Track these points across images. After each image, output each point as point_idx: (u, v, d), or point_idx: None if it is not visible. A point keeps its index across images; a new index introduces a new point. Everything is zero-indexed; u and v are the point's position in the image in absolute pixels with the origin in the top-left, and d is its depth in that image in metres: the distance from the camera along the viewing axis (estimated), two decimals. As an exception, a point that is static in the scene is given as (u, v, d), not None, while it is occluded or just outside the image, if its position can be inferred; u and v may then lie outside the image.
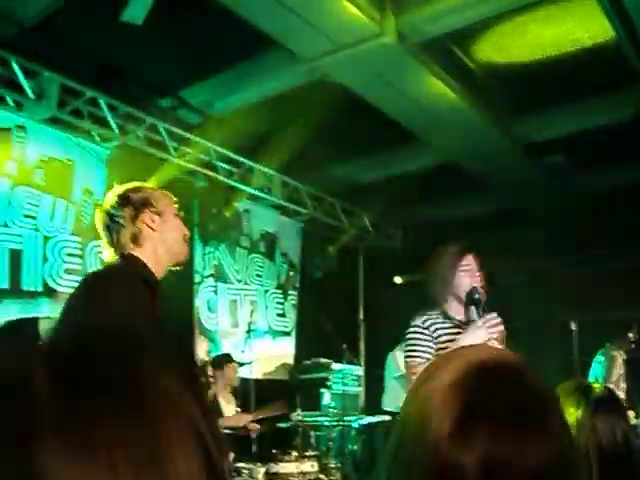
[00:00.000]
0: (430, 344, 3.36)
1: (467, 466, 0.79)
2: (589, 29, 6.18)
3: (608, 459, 1.70)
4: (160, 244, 2.58)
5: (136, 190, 2.67)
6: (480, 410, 0.83)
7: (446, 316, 3.45)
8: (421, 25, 6.02)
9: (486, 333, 3.24)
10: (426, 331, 3.39)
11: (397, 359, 7.57)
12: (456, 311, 3.46)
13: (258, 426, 6.59)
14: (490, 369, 0.87)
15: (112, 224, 2.58)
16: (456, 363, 0.88)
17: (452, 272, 3.46)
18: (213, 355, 7.41)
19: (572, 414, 1.75)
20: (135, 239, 2.55)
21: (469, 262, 3.51)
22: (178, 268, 2.71)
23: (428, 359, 3.27)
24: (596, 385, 1.88)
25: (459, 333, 3.34)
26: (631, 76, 6.76)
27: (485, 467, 0.79)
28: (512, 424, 0.82)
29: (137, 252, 2.55)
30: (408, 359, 3.44)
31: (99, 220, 2.65)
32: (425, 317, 3.44)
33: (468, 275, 3.43)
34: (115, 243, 2.58)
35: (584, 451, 1.68)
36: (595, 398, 1.80)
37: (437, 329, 3.40)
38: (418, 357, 3.35)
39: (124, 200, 2.60)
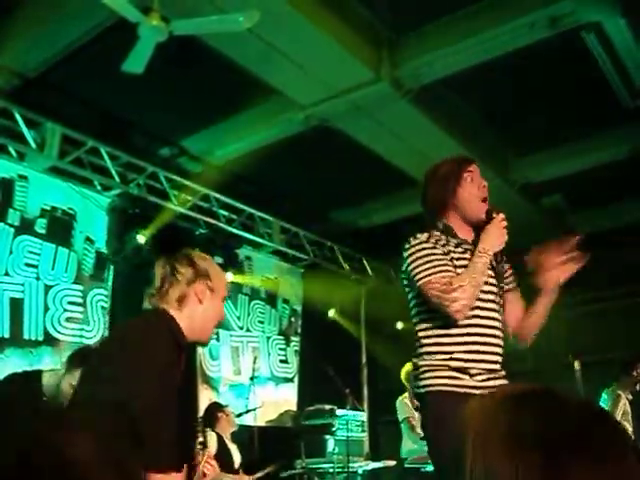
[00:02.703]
0: (447, 260, 2.74)
1: None
2: (582, 69, 6.28)
3: None
4: (199, 317, 2.58)
5: (203, 258, 2.71)
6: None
7: (450, 233, 2.86)
8: (417, 71, 6.12)
9: (503, 232, 2.93)
10: (437, 246, 2.77)
11: (402, 404, 7.54)
12: (461, 230, 2.89)
13: None
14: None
15: (170, 276, 2.61)
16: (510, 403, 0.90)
17: (457, 179, 2.89)
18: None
19: None
20: (181, 300, 2.56)
21: (474, 169, 2.96)
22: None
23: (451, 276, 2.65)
24: None
25: (468, 259, 2.77)
26: (625, 116, 6.84)
27: None
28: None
29: (174, 313, 2.55)
30: (425, 278, 2.67)
31: (160, 268, 2.67)
32: (426, 234, 2.82)
33: (476, 184, 2.91)
34: (162, 294, 2.59)
35: None
36: None
37: (447, 249, 2.79)
38: (439, 272, 2.67)
39: (190, 261, 2.64)
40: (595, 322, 9.63)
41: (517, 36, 5.56)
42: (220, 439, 6.59)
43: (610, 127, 7.16)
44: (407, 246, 2.80)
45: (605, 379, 7.16)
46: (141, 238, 7.14)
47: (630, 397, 6.95)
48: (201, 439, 3.04)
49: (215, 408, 7.00)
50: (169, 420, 2.30)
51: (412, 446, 7.38)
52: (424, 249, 2.72)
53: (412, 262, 2.73)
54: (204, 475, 2.73)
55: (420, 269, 2.69)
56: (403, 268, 2.84)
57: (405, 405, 7.55)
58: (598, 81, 6.34)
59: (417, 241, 2.77)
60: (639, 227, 8.85)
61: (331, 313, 8.62)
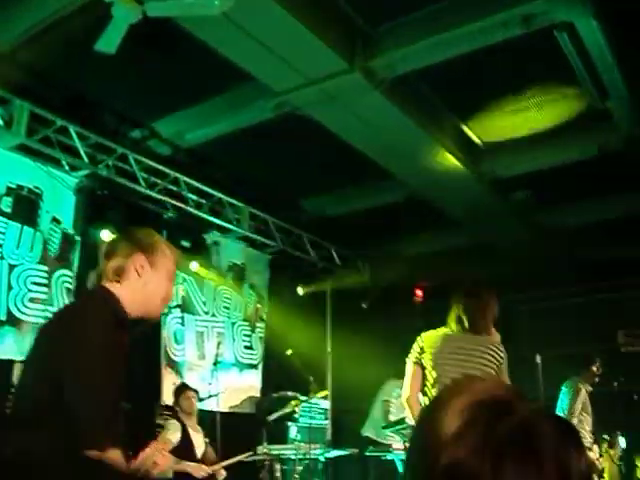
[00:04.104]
0: None
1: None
2: (553, 69, 6.34)
3: None
4: (139, 292, 2.56)
5: (148, 234, 2.69)
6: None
7: None
8: (391, 63, 6.13)
9: None
10: None
11: (389, 386, 7.62)
12: None
13: (224, 474, 6.50)
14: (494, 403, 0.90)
15: (111, 250, 2.61)
16: (465, 397, 0.92)
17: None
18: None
19: None
20: (119, 273, 2.54)
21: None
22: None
23: None
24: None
25: None
26: (594, 116, 6.94)
27: None
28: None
29: (114, 288, 2.54)
30: None
31: (104, 247, 2.68)
32: None
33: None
34: (103, 270, 2.58)
35: None
36: None
37: None
38: None
39: (131, 235, 2.65)
40: (555, 318, 9.80)
41: (491, 33, 5.59)
42: (184, 429, 6.58)
43: (579, 126, 7.25)
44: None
45: (565, 373, 7.31)
46: (106, 235, 7.00)
47: (590, 389, 7.10)
48: (160, 421, 3.01)
49: (178, 388, 7.01)
50: (106, 399, 2.28)
51: (379, 426, 7.44)
52: None
53: None
54: (155, 464, 2.70)
55: None
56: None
57: (391, 388, 7.62)
58: (569, 80, 6.42)
59: None
60: (605, 225, 9.01)
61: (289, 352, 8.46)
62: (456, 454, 0.86)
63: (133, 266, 2.56)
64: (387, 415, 7.57)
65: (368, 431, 7.58)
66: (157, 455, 2.66)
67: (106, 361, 2.32)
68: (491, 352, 4.34)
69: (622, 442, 7.34)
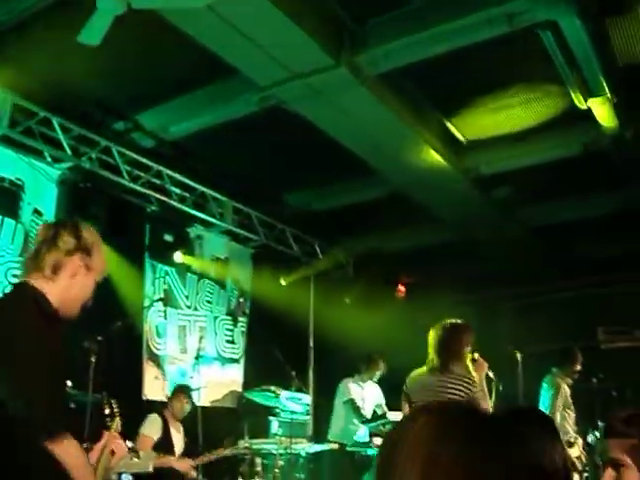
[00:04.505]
0: None
1: None
2: (537, 67, 6.38)
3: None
4: (69, 291, 2.54)
5: (91, 233, 2.65)
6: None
7: None
8: (376, 58, 6.13)
9: None
10: None
11: (347, 386, 7.67)
12: None
13: (195, 476, 6.52)
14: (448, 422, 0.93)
15: (50, 241, 2.55)
16: (423, 419, 0.94)
17: None
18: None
19: None
20: (55, 269, 2.51)
21: None
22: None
23: None
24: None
25: None
26: (577, 114, 6.98)
27: None
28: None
29: (44, 283, 2.50)
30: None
31: (42, 231, 2.63)
32: None
33: None
34: (37, 259, 2.53)
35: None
36: None
37: None
38: None
39: (76, 232, 2.59)
40: (536, 314, 9.87)
41: (475, 30, 5.61)
42: (165, 426, 6.57)
43: (563, 124, 7.29)
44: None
45: (544, 370, 7.37)
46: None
47: (570, 382, 7.15)
48: (107, 411, 2.97)
49: (176, 389, 6.97)
50: (43, 393, 2.27)
51: (355, 427, 7.48)
52: None
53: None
54: (113, 453, 2.70)
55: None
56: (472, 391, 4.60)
57: (349, 388, 7.69)
58: (553, 79, 6.46)
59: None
60: (587, 222, 9.09)
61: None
62: None
63: (70, 266, 2.53)
64: (359, 411, 7.64)
65: (335, 436, 7.65)
66: (110, 445, 2.65)
67: (38, 363, 2.29)
68: (457, 386, 4.61)
69: (590, 438, 7.39)
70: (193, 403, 6.93)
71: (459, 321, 4.92)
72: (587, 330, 9.46)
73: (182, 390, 6.94)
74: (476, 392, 4.61)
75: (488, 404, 4.77)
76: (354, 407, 7.71)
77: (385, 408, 7.93)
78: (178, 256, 8.37)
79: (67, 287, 2.53)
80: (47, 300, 2.48)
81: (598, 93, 6.39)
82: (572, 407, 7.11)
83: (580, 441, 7.01)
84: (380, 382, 8.25)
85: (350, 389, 7.80)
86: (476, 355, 4.94)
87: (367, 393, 7.95)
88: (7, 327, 2.34)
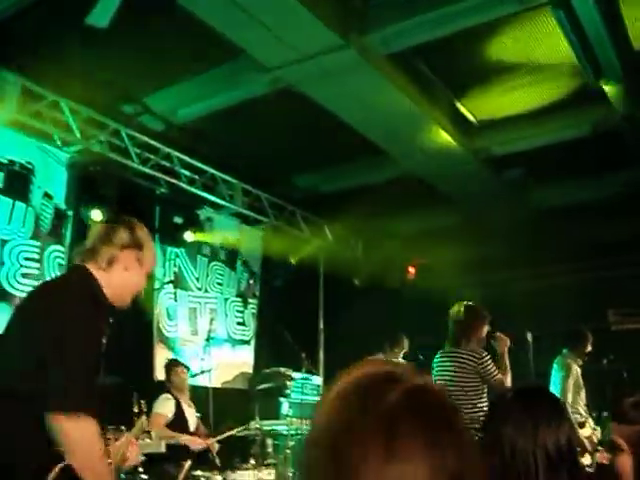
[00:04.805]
0: None
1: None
2: (548, 47, 6.32)
3: (553, 460, 1.79)
4: (121, 283, 2.67)
5: (142, 229, 2.79)
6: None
7: None
8: (386, 38, 6.09)
9: None
10: None
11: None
12: None
13: (217, 446, 6.56)
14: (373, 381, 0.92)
15: (106, 237, 2.69)
16: (374, 376, 0.93)
17: None
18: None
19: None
20: (110, 262, 2.64)
21: None
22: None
23: None
24: None
25: None
26: (589, 95, 6.93)
27: None
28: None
29: (100, 273, 2.63)
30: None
31: (99, 228, 2.78)
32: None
33: None
34: (93, 252, 2.65)
35: (531, 451, 1.78)
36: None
37: None
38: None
39: (129, 228, 2.73)
40: (546, 296, 9.85)
41: (487, 9, 5.56)
42: (178, 404, 6.62)
43: (574, 105, 7.24)
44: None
45: (555, 351, 7.36)
46: (96, 214, 6.99)
47: (580, 363, 7.14)
48: (135, 409, 3.01)
49: (169, 364, 7.03)
50: (83, 371, 2.36)
51: None
52: None
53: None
54: (125, 460, 2.70)
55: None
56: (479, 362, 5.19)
57: None
58: (564, 58, 6.40)
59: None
60: (597, 204, 9.04)
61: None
62: (335, 428, 0.87)
63: (124, 259, 2.66)
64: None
65: None
66: (126, 449, 2.66)
67: (87, 338, 2.41)
68: (465, 359, 5.29)
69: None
70: (185, 366, 6.95)
71: (471, 303, 5.56)
72: (598, 312, 9.43)
73: (173, 363, 6.98)
74: (487, 365, 5.19)
75: (508, 378, 5.35)
76: None
77: None
78: (189, 235, 8.37)
79: (119, 280, 2.66)
80: (102, 289, 2.61)
81: (610, 72, 6.34)
82: (583, 388, 7.11)
83: (591, 421, 7.00)
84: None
85: None
86: (497, 333, 5.51)
87: None
88: (65, 306, 2.46)
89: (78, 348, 2.36)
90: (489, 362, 5.21)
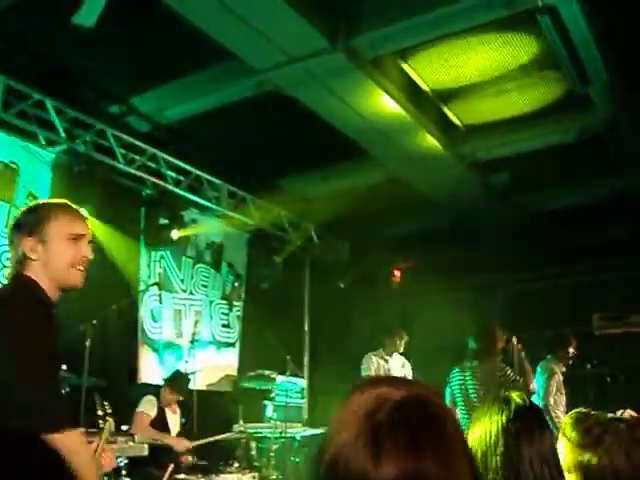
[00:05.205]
0: None
1: None
2: (534, 52, 6.35)
3: (536, 459, 1.84)
4: (42, 271, 2.54)
5: (29, 212, 2.65)
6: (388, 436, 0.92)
7: None
8: (373, 42, 6.10)
9: None
10: None
11: (367, 360, 7.58)
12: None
13: (191, 459, 6.50)
14: (397, 402, 0.96)
15: (9, 244, 2.63)
16: (369, 395, 0.98)
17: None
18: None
19: (496, 421, 1.93)
20: (20, 264, 2.55)
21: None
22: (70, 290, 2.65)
23: None
24: (515, 394, 2.03)
25: None
26: (575, 100, 6.96)
27: None
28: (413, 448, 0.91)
29: (34, 267, 2.55)
30: None
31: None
32: None
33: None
34: (12, 265, 2.62)
35: (514, 451, 1.82)
36: (515, 405, 1.96)
37: None
38: None
39: (15, 226, 2.62)
40: (531, 300, 9.89)
41: (474, 13, 5.58)
42: (159, 407, 6.58)
43: (560, 110, 7.28)
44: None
45: (539, 355, 7.39)
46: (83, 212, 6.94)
47: (563, 369, 7.18)
48: (100, 412, 2.96)
49: (169, 383, 6.91)
50: (45, 383, 2.30)
51: None
52: None
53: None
54: (100, 467, 2.66)
55: None
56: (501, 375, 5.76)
57: (369, 362, 7.59)
58: (550, 65, 6.43)
59: None
60: (580, 209, 9.09)
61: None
62: (338, 444, 0.94)
63: (25, 253, 2.55)
64: None
65: None
66: (99, 456, 2.62)
67: (37, 348, 2.32)
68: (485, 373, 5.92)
69: None
70: (181, 392, 6.85)
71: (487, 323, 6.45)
72: (582, 316, 9.48)
73: (169, 384, 6.83)
74: (508, 376, 5.77)
75: (530, 379, 6.14)
76: None
77: None
78: (175, 234, 8.31)
79: (39, 270, 2.54)
80: (41, 288, 2.52)
81: (595, 78, 6.37)
82: (564, 394, 7.15)
83: None
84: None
85: (371, 364, 7.63)
86: (514, 340, 6.17)
87: (393, 366, 7.76)
88: (9, 319, 2.39)
89: (30, 363, 2.28)
90: (509, 372, 5.84)
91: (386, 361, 7.66)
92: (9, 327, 2.35)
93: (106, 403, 3.00)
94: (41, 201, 2.75)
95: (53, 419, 2.27)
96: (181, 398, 6.83)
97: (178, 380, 6.91)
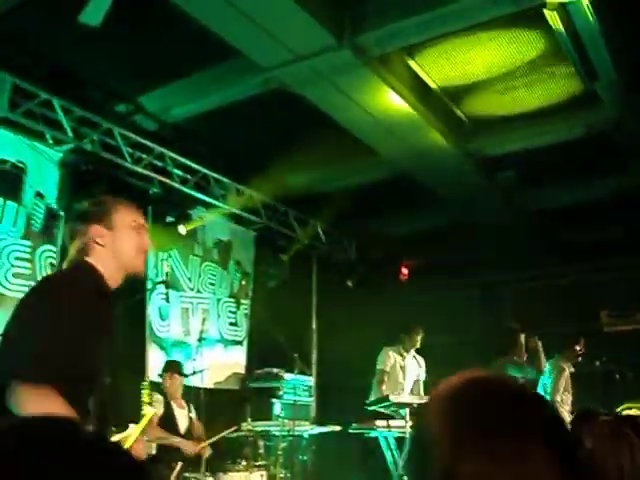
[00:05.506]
0: None
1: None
2: (540, 49, 6.32)
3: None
4: (109, 258, 2.67)
5: (94, 204, 2.79)
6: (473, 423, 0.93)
7: None
8: (380, 39, 6.08)
9: None
10: None
11: (383, 355, 7.55)
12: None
13: (210, 451, 6.50)
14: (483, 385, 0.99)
15: (70, 237, 2.74)
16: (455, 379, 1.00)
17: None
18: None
19: None
20: (84, 252, 2.65)
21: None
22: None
23: None
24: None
25: None
26: (583, 97, 6.93)
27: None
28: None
29: (100, 252, 2.67)
30: None
31: (66, 230, 2.84)
32: None
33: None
34: (72, 251, 2.71)
35: None
36: None
37: None
38: None
39: (80, 216, 2.75)
40: (538, 298, 9.87)
41: (480, 10, 5.56)
42: (167, 404, 6.59)
43: (568, 107, 7.24)
44: None
45: (547, 351, 7.38)
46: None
47: (572, 370, 7.18)
48: (146, 399, 2.97)
49: (165, 367, 6.98)
50: (57, 347, 2.31)
51: (372, 397, 7.36)
52: None
53: None
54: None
55: None
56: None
57: (385, 356, 7.56)
58: (558, 61, 6.40)
59: None
60: (588, 206, 9.05)
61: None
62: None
63: (92, 241, 2.66)
64: (379, 385, 7.43)
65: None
66: (130, 444, 2.63)
67: (70, 317, 2.38)
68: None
69: None
70: (180, 373, 6.89)
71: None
72: (590, 314, 9.45)
73: (165, 368, 6.92)
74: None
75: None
76: (378, 380, 7.53)
77: (421, 385, 7.69)
78: (182, 229, 8.32)
79: (105, 257, 2.66)
80: (99, 274, 2.63)
81: (603, 75, 6.34)
82: (570, 392, 7.15)
83: None
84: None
85: (387, 358, 7.57)
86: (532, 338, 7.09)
87: (408, 364, 7.74)
88: (53, 292, 2.50)
89: (55, 325, 2.34)
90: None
91: (403, 358, 7.63)
92: (56, 296, 2.44)
93: (155, 393, 3.02)
94: (99, 197, 2.91)
95: (27, 370, 2.23)
96: (183, 381, 6.83)
97: (171, 365, 6.99)
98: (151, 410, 2.92)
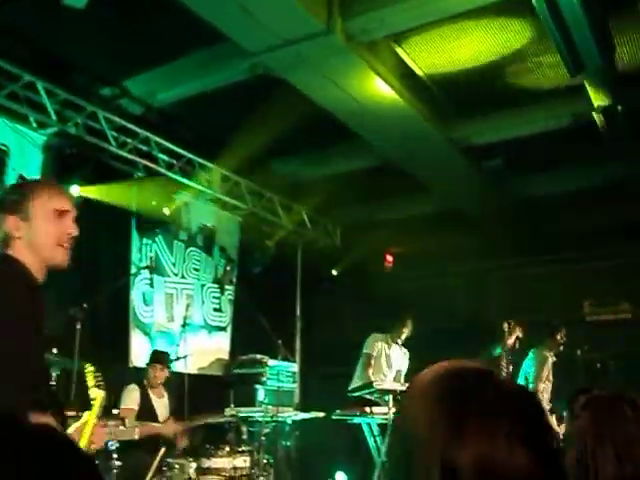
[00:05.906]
0: None
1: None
2: (527, 37, 6.32)
3: None
4: (27, 249, 2.49)
5: (11, 191, 2.65)
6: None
7: None
8: (367, 26, 6.05)
9: None
10: None
11: (371, 339, 7.55)
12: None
13: (186, 442, 6.51)
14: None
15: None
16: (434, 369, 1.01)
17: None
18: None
19: None
20: (4, 244, 2.50)
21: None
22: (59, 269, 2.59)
23: None
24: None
25: None
26: (570, 87, 6.94)
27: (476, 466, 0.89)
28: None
29: (19, 245, 2.50)
30: None
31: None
32: None
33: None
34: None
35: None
36: None
37: None
38: None
39: (10, 192, 2.63)
40: (522, 286, 9.92)
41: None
42: (145, 395, 6.57)
43: (555, 96, 7.26)
44: None
45: (530, 340, 7.43)
46: (75, 190, 6.92)
47: (554, 359, 7.24)
48: (90, 383, 2.89)
49: (151, 357, 6.94)
50: (23, 365, 2.25)
51: (357, 382, 7.38)
52: None
53: None
54: (91, 443, 2.63)
55: None
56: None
57: (373, 342, 7.56)
58: (545, 50, 6.41)
59: None
60: (573, 196, 9.10)
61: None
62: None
63: (9, 232, 2.50)
64: (366, 368, 7.42)
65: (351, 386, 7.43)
66: (89, 431, 2.59)
67: (15, 329, 2.29)
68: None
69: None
70: (169, 368, 6.90)
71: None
72: (573, 302, 9.52)
73: (155, 359, 6.89)
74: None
75: None
76: (364, 363, 7.53)
77: (402, 376, 7.67)
78: (166, 210, 8.28)
79: (23, 249, 2.49)
80: (24, 267, 2.47)
81: (590, 64, 6.34)
82: (551, 380, 7.22)
83: (554, 415, 7.10)
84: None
85: (374, 344, 7.56)
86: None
87: (393, 354, 7.74)
88: None
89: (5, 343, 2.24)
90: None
91: (389, 346, 7.64)
92: None
93: (99, 374, 2.93)
94: (24, 180, 2.74)
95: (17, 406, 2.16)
96: (168, 374, 6.84)
97: (160, 356, 6.97)
98: (100, 392, 2.83)
